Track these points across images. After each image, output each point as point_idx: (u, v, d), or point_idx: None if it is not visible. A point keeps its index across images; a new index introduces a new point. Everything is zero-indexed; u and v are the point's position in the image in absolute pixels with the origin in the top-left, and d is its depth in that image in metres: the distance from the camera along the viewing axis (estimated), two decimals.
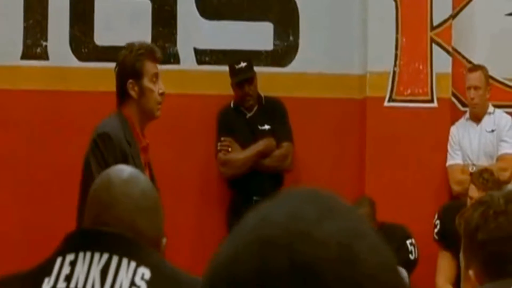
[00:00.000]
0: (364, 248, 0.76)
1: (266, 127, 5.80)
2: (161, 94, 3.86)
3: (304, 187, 0.84)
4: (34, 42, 6.04)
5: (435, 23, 5.89)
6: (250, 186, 5.73)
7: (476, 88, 5.75)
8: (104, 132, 3.71)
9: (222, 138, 5.77)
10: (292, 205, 0.80)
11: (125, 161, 3.61)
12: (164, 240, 1.76)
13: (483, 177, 5.09)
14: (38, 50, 6.05)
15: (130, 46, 3.95)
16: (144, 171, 3.78)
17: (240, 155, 5.73)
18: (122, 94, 3.87)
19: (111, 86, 4.07)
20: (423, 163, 5.81)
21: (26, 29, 6.04)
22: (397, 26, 5.87)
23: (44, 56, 6.04)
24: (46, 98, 5.97)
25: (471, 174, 5.48)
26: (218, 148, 5.77)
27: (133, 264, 1.65)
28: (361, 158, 5.92)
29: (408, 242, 5.43)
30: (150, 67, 3.83)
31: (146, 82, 3.82)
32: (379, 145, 5.85)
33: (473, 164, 5.68)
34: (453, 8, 5.95)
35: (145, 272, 1.65)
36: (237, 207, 5.79)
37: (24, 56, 6.03)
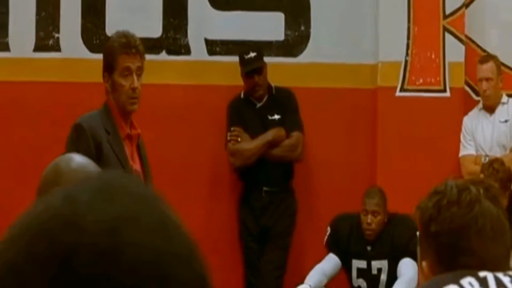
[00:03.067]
0: (134, 234, 0.72)
1: (276, 117, 5.77)
2: (133, 89, 3.76)
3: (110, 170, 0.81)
4: (46, 34, 6.07)
5: (447, 12, 5.81)
6: (260, 177, 5.71)
7: (488, 79, 5.66)
8: (77, 123, 3.78)
9: (232, 128, 5.75)
10: (74, 188, 0.77)
11: (98, 148, 3.69)
12: None
13: (493, 167, 5.03)
14: (51, 42, 6.07)
15: (110, 38, 3.94)
16: (126, 159, 3.79)
17: (249, 145, 5.71)
18: (105, 86, 3.89)
19: None
20: (435, 154, 5.74)
21: (38, 22, 6.06)
22: (409, 15, 5.80)
23: (56, 48, 6.06)
24: (59, 90, 6.00)
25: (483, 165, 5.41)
26: (228, 138, 5.76)
27: None
28: (372, 149, 5.87)
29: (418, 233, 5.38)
30: (121, 60, 3.76)
31: (116, 76, 3.78)
32: (390, 136, 5.80)
33: (486, 155, 5.60)
34: None
35: None
36: (247, 197, 5.78)
37: (36, 48, 6.06)
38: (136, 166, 3.90)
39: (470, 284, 1.63)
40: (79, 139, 3.75)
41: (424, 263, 1.71)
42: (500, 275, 1.66)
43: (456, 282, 1.63)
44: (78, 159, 1.78)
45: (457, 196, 1.71)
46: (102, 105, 3.94)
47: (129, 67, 3.78)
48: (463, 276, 1.64)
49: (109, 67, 3.80)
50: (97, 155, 3.75)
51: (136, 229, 0.74)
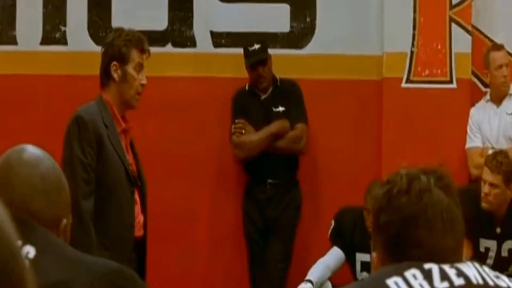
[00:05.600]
0: None
1: (280, 109, 5.75)
2: (142, 85, 3.87)
3: None
4: (53, 28, 6.09)
5: (454, 2, 5.75)
6: (264, 169, 5.70)
7: (507, 65, 5.60)
8: (77, 115, 3.81)
9: (236, 121, 5.74)
10: None
11: (99, 141, 3.74)
12: (64, 221, 1.75)
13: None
14: (57, 35, 6.09)
15: (119, 30, 3.97)
16: (124, 153, 3.82)
17: (253, 137, 5.69)
18: (105, 75, 3.90)
19: None
20: (442, 146, 5.69)
21: (45, 15, 6.08)
22: (415, 5, 5.75)
23: (63, 41, 6.08)
24: (65, 83, 6.02)
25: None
26: (232, 130, 5.74)
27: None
28: (378, 140, 5.83)
29: None
30: (136, 55, 3.86)
31: (130, 68, 3.86)
32: (396, 127, 5.75)
33: (492, 147, 5.53)
34: None
35: (30, 250, 1.65)
36: (251, 189, 5.77)
37: (43, 42, 6.09)
38: (130, 159, 3.93)
39: (414, 276, 1.59)
40: (81, 132, 3.77)
41: (374, 254, 1.68)
42: (446, 267, 1.62)
43: (400, 274, 1.60)
44: (31, 150, 1.77)
45: (407, 185, 1.68)
46: (97, 97, 3.96)
47: (142, 64, 3.89)
48: (408, 268, 1.61)
49: (121, 57, 3.85)
50: (98, 148, 3.78)
51: None
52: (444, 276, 1.60)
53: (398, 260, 1.62)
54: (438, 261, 1.62)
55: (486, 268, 1.67)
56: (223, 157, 5.90)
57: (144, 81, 3.90)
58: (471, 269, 1.63)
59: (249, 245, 5.76)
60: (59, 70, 6.05)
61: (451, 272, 1.61)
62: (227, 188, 5.93)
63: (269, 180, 5.70)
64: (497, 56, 5.60)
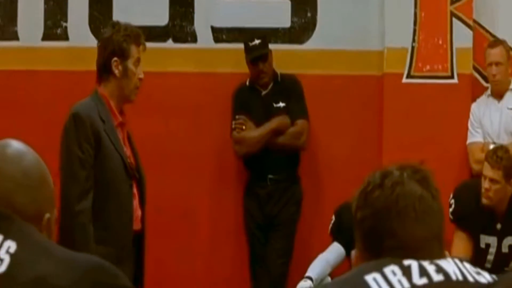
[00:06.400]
0: None
1: (281, 104, 5.75)
2: (140, 79, 3.92)
3: None
4: (54, 23, 6.10)
5: None
6: (265, 165, 5.70)
7: (497, 64, 5.58)
8: (74, 112, 3.84)
9: (237, 116, 5.74)
10: None
11: (97, 137, 3.78)
12: (47, 216, 1.75)
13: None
14: (58, 31, 6.10)
15: (117, 25, 3.99)
16: (122, 146, 3.84)
17: (253, 133, 5.69)
18: (104, 71, 3.92)
19: None
20: (443, 141, 5.68)
21: (46, 11, 6.10)
22: (416, 0, 5.73)
23: (64, 36, 6.09)
24: (67, 78, 6.03)
25: None
26: (233, 126, 5.75)
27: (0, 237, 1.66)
28: (379, 136, 5.82)
29: None
30: (134, 51, 3.91)
31: (130, 64, 3.88)
32: (397, 123, 5.75)
33: (493, 143, 5.51)
34: None
35: (11, 245, 1.66)
36: (252, 185, 5.77)
37: (45, 37, 6.10)
38: (128, 152, 3.95)
39: (393, 272, 1.60)
40: (78, 128, 3.80)
41: (353, 252, 1.69)
42: (425, 263, 1.62)
43: (379, 270, 1.60)
44: (14, 145, 1.77)
45: (380, 180, 1.70)
46: (93, 92, 3.98)
47: (139, 59, 3.91)
48: (387, 264, 1.62)
49: (122, 53, 3.89)
50: (95, 143, 3.81)
51: None
52: (423, 272, 1.61)
53: (374, 253, 1.64)
54: (412, 251, 1.63)
55: (467, 264, 1.67)
56: (224, 153, 5.91)
57: (141, 75, 3.94)
58: (450, 265, 1.63)
59: (250, 241, 5.76)
60: (61, 66, 6.06)
61: (430, 268, 1.62)
62: (227, 184, 5.93)
63: (270, 176, 5.70)
64: (491, 53, 5.59)
